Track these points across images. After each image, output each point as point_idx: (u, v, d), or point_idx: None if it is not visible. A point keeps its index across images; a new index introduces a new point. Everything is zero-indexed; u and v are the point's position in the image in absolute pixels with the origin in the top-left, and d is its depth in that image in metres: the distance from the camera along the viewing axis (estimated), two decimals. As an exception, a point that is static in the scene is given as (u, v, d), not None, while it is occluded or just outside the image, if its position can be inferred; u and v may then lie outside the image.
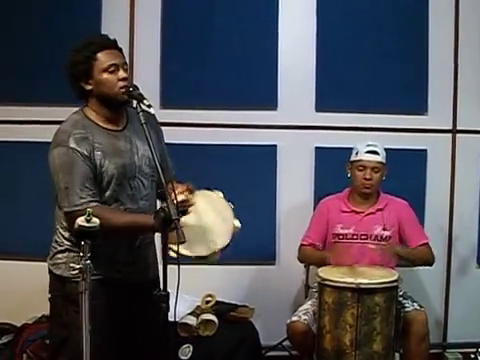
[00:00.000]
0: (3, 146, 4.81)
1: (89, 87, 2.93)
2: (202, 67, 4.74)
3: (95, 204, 2.82)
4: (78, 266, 2.37)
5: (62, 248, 3.00)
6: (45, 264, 4.59)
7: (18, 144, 4.78)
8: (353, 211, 4.20)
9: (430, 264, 4.20)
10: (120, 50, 3.03)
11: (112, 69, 2.91)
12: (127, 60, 4.34)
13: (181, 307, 3.17)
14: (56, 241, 3.06)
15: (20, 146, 4.77)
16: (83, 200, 2.81)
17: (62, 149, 2.86)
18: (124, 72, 2.95)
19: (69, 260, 2.90)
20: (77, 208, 2.79)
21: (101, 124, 2.96)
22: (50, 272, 3.08)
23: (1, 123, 4.82)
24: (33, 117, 4.76)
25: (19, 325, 4.57)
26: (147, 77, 4.66)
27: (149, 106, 2.77)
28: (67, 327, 2.92)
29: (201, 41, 4.77)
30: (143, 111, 2.77)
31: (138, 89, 2.89)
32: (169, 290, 2.60)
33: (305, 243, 4.28)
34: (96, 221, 2.38)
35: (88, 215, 2.35)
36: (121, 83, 2.91)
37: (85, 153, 2.84)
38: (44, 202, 4.69)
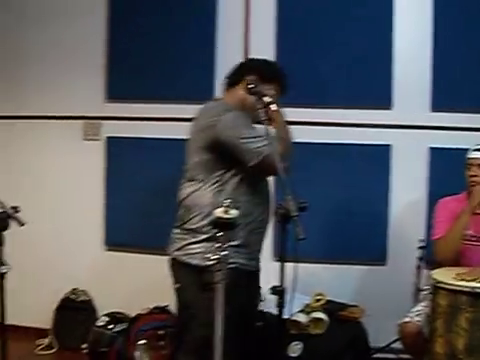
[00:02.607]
0: (129, 142, 5.04)
1: (241, 91, 3.14)
2: (317, 67, 4.76)
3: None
4: (215, 257, 2.43)
5: (197, 238, 3.09)
6: (159, 257, 4.74)
7: (147, 141, 5.01)
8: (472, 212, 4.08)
9: None
10: None
11: (268, 101, 3.14)
12: (242, 58, 4.50)
13: (291, 304, 3.19)
14: (190, 230, 3.15)
15: (148, 142, 5.00)
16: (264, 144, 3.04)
17: (236, 113, 3.13)
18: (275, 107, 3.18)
19: (207, 249, 2.95)
20: (265, 152, 3.03)
21: None
22: (180, 262, 3.17)
23: (135, 120, 5.06)
24: (161, 114, 4.98)
25: (132, 315, 4.71)
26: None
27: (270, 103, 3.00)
28: (197, 316, 3.05)
29: (316, 42, 4.78)
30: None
31: (259, 85, 3.03)
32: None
33: (440, 235, 4.14)
34: (234, 212, 2.45)
35: (227, 206, 2.42)
36: (261, 113, 3.04)
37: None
38: (162, 197, 4.88)
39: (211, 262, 2.47)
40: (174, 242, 3.25)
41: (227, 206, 2.45)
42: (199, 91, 4.85)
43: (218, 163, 3.15)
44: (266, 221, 3.33)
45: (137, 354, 4.28)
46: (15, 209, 2.86)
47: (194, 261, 3.09)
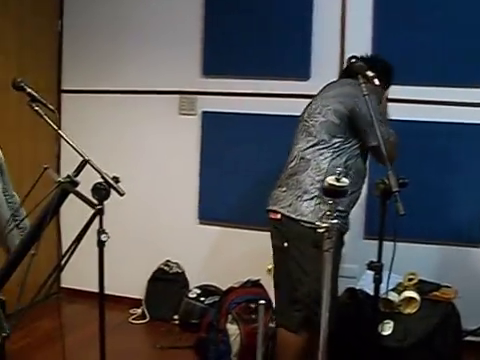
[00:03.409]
0: (225, 117, 5.12)
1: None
2: (414, 44, 4.64)
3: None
4: (324, 225, 2.49)
5: (309, 196, 3.28)
6: (251, 232, 4.80)
7: (242, 116, 5.08)
8: None
9: None
10: None
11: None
12: (339, 36, 4.54)
13: (383, 283, 3.19)
14: (300, 188, 3.33)
15: (243, 118, 5.07)
16: (390, 131, 3.39)
17: (378, 97, 3.40)
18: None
19: (316, 207, 3.25)
20: (389, 139, 3.32)
21: None
22: (293, 220, 3.31)
23: (230, 95, 5.14)
24: (256, 90, 5.04)
25: (224, 288, 4.78)
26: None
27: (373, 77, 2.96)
28: (309, 271, 3.23)
29: (414, 18, 4.67)
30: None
31: (359, 60, 3.09)
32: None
33: None
34: (345, 181, 2.52)
35: (339, 174, 2.50)
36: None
37: None
38: (255, 173, 4.91)
39: (322, 225, 2.54)
40: (282, 199, 3.40)
41: (339, 174, 2.51)
42: (294, 68, 4.88)
43: (341, 130, 3.36)
44: (360, 194, 3.56)
45: (229, 326, 4.34)
46: (116, 179, 2.93)
47: (305, 218, 3.26)
